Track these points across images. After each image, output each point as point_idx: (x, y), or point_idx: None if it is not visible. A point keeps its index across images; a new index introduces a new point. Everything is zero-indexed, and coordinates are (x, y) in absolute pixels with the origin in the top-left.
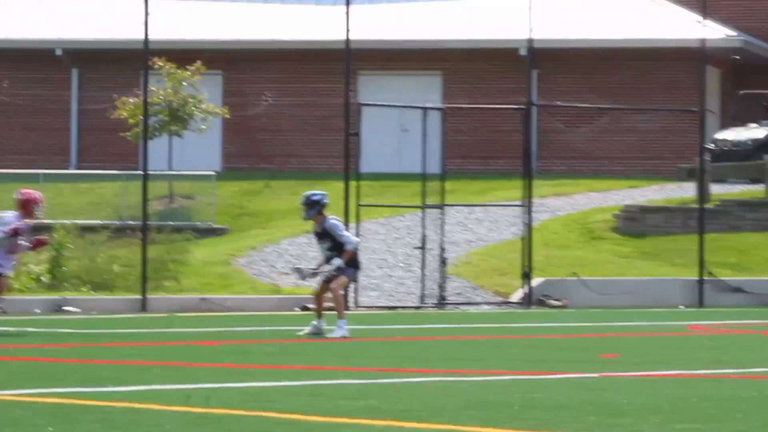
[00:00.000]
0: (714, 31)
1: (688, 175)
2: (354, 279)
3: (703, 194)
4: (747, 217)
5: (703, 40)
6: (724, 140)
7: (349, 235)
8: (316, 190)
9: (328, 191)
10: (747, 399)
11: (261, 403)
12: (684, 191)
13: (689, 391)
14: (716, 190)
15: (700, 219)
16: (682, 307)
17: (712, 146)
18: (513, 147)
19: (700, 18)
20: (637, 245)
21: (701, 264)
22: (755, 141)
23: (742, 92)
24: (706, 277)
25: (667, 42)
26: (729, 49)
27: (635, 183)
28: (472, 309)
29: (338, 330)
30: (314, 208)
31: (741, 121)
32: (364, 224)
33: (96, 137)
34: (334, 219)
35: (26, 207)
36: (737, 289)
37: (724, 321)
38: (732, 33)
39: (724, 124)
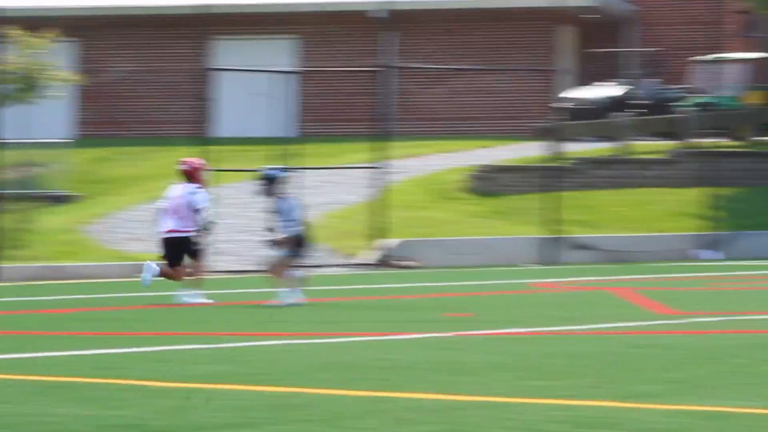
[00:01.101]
0: None
1: (541, 134)
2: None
3: (556, 153)
4: (599, 174)
5: (557, 0)
6: (578, 99)
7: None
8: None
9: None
10: (594, 354)
11: (111, 370)
12: (538, 150)
13: (538, 348)
14: (570, 148)
15: (553, 178)
16: (531, 265)
17: (565, 105)
18: (369, 109)
19: None
20: (490, 205)
21: (552, 222)
22: (608, 99)
23: (595, 51)
24: (557, 235)
25: (521, 2)
26: (583, 8)
27: (490, 143)
28: (325, 271)
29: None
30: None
31: (594, 79)
32: (220, 189)
33: None
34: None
35: (196, 175)
36: (588, 246)
37: (574, 278)
38: None
39: (578, 83)
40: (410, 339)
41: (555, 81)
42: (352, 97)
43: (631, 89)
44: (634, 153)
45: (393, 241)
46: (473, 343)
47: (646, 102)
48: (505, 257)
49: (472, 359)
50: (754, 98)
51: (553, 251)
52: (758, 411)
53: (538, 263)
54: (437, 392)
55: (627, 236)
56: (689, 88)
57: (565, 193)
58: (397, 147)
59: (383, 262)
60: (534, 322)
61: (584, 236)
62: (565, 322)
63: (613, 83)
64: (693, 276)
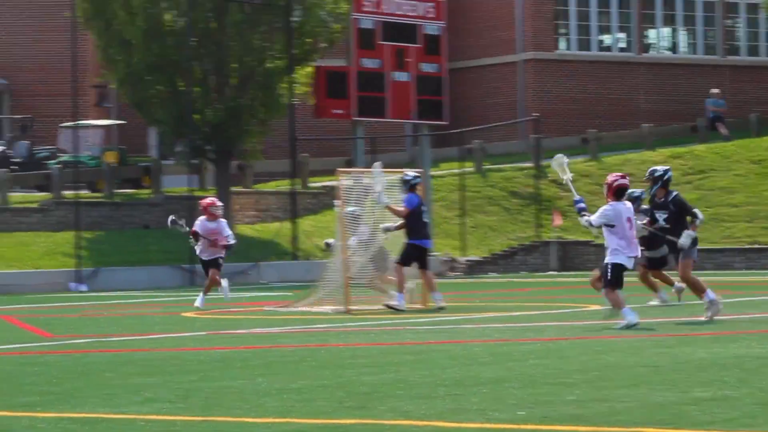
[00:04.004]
0: None
1: None
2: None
3: None
4: None
5: None
6: None
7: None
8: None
9: None
10: None
11: None
12: None
13: None
14: None
15: None
16: None
17: None
18: None
19: None
20: None
21: None
22: None
23: None
24: None
25: None
26: None
27: None
28: None
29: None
30: None
31: None
32: None
33: None
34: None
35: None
36: None
37: None
38: None
39: None
40: None
41: None
42: None
43: (5, 149)
44: (12, 203)
45: None
46: None
47: (20, 160)
48: None
49: None
50: (110, 157)
51: None
52: (127, 416)
53: None
54: None
55: (8, 272)
56: (57, 148)
57: None
58: None
59: None
60: None
61: None
62: None
63: None
64: (67, 305)
